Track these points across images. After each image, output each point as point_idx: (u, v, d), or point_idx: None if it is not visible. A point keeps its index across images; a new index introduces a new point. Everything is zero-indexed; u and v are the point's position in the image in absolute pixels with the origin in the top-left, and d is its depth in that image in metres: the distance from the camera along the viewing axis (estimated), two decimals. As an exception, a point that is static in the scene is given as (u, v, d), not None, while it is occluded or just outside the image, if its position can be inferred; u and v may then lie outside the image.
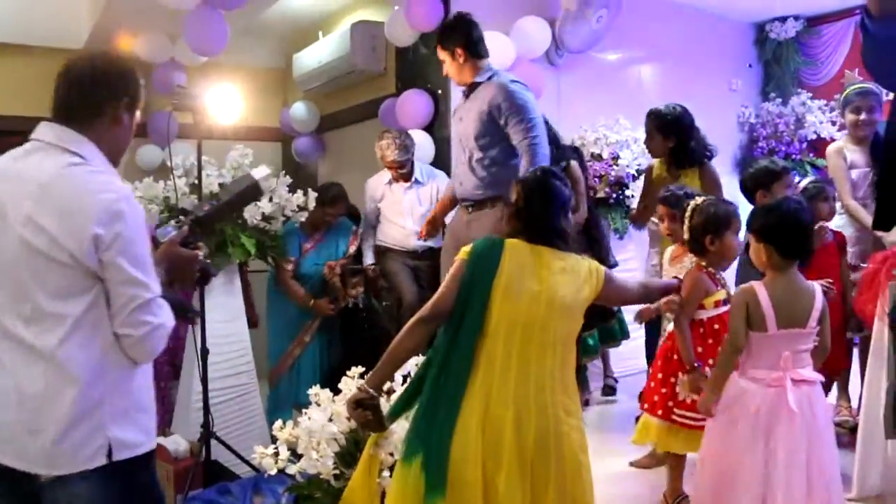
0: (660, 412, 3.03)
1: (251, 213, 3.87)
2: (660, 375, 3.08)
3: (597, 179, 5.20)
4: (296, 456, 2.62)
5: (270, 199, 3.96)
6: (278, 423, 2.73)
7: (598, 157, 5.26)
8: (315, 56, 5.84)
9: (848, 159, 4.09)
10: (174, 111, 3.50)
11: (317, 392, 2.74)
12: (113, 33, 5.48)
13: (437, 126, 4.96)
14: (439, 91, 4.96)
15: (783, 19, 6.84)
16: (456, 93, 4.96)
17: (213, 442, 3.45)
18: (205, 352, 3.48)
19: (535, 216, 2.30)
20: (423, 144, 4.85)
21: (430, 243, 4.51)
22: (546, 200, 2.32)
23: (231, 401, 3.94)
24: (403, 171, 4.54)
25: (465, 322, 2.18)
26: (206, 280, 2.22)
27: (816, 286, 2.57)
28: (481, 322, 2.17)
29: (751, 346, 2.54)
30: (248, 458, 3.53)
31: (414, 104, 4.91)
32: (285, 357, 4.47)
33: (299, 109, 6.29)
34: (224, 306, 3.96)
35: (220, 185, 3.88)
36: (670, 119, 3.90)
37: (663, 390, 3.04)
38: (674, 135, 3.90)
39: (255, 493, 3.21)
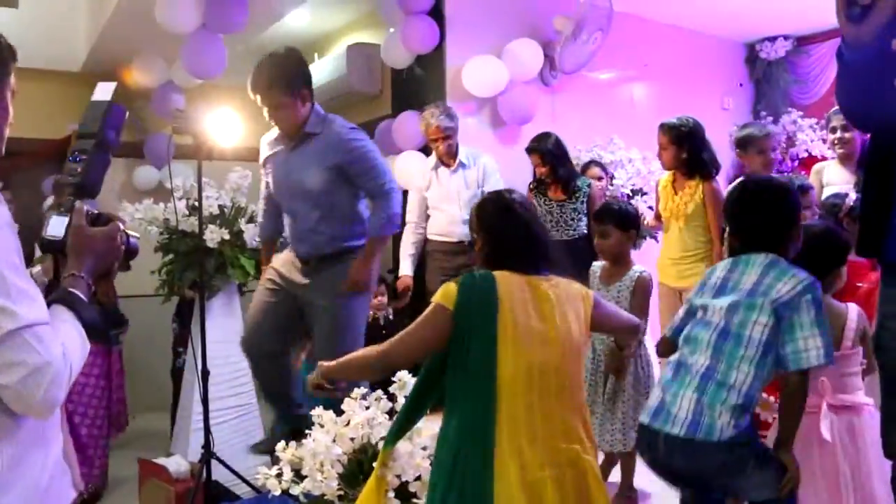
0: None
1: (251, 235, 3.90)
2: None
3: (592, 199, 5.25)
4: (299, 476, 2.63)
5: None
6: (281, 443, 2.75)
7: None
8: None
9: (824, 178, 4.15)
10: (174, 134, 3.54)
11: (320, 413, 2.75)
12: (110, 56, 5.53)
13: (433, 147, 5.00)
14: (435, 112, 5.01)
15: (773, 39, 6.94)
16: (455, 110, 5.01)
17: (214, 462, 3.46)
18: (205, 373, 3.49)
19: (509, 242, 2.13)
20: (419, 167, 4.89)
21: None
22: (515, 222, 2.15)
23: (231, 421, 3.95)
24: (450, 142, 4.46)
25: (471, 376, 1.98)
26: (132, 255, 1.72)
27: (851, 307, 2.49)
28: (493, 374, 1.94)
29: None
30: (248, 479, 3.58)
31: (410, 126, 4.95)
32: None
33: (295, 130, 6.32)
34: (223, 327, 3.98)
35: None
36: (685, 131, 3.99)
37: None
38: (687, 146, 3.99)
39: (257, 514, 3.22)
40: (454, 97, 5.00)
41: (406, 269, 4.63)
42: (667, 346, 2.46)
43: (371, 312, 4.34)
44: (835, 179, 4.06)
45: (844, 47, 1.78)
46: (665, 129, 4.06)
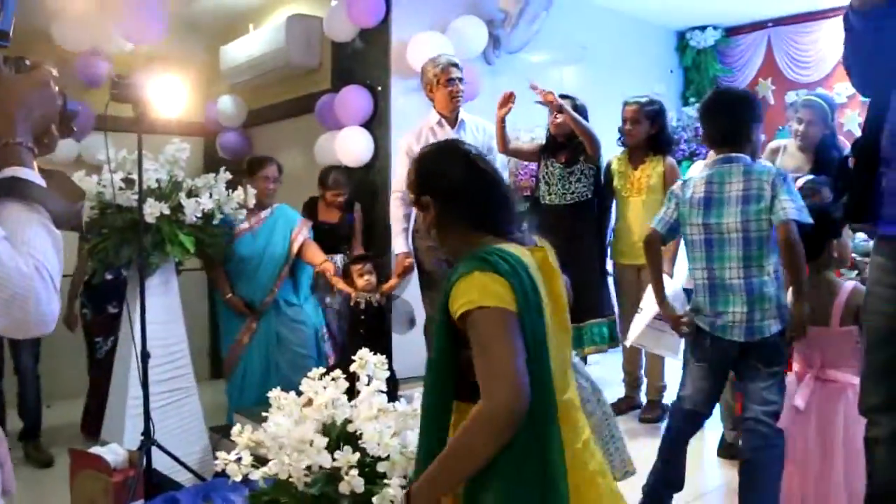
0: None
1: (191, 210, 3.71)
2: None
3: (533, 179, 5.21)
4: (259, 461, 2.52)
5: (210, 196, 3.81)
6: (237, 427, 2.62)
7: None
8: (246, 49, 5.67)
9: (779, 160, 4.20)
10: (112, 102, 3.31)
11: (278, 395, 2.64)
12: (30, 19, 5.18)
13: (376, 124, 4.88)
14: (379, 88, 4.90)
15: (703, 28, 7.10)
16: (398, 89, 4.90)
17: (154, 450, 3.28)
18: (145, 356, 3.31)
19: (487, 204, 1.71)
20: (362, 143, 4.77)
21: None
22: (483, 175, 1.74)
23: (169, 406, 3.76)
24: (462, 88, 4.08)
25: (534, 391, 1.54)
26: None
27: (847, 285, 2.61)
28: (548, 381, 1.59)
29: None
30: (189, 465, 3.42)
31: (353, 100, 4.83)
32: (232, 350, 4.27)
33: (226, 103, 6.09)
34: (162, 307, 3.77)
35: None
36: (658, 107, 4.20)
37: None
38: (658, 122, 4.17)
39: (204, 502, 3.07)
40: (398, 73, 4.90)
41: (401, 245, 4.12)
42: (656, 238, 2.86)
43: (353, 295, 4.03)
44: (789, 164, 4.11)
45: (852, 13, 1.80)
46: (638, 104, 4.19)
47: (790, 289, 2.62)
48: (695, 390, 2.78)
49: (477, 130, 4.23)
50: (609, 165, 4.35)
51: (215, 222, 3.94)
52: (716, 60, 7.22)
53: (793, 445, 2.54)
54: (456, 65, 4.09)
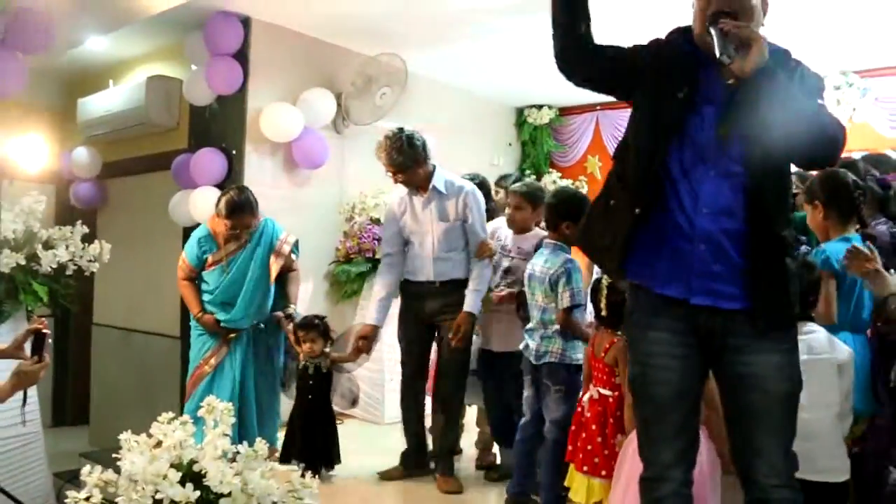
0: (603, 472, 3.12)
1: (46, 262, 3.87)
2: (599, 439, 3.17)
3: (375, 242, 5.44)
4: (109, 502, 2.70)
5: (67, 247, 3.97)
6: (86, 468, 2.80)
7: (377, 222, 5.46)
8: (104, 104, 5.80)
9: None
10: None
11: (128, 437, 2.84)
12: None
13: (229, 185, 5.10)
14: (234, 151, 5.20)
15: (539, 107, 7.79)
16: (252, 153, 5.22)
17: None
18: (-9, 401, 3.42)
19: None
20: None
21: (454, 275, 4.02)
22: None
23: (12, 451, 3.84)
24: (402, 178, 4.01)
25: None
26: None
27: None
28: None
29: None
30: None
31: (208, 162, 5.09)
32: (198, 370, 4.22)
33: (81, 154, 6.16)
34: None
35: (14, 231, 3.84)
36: (476, 182, 4.30)
37: (606, 452, 3.14)
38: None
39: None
40: (252, 138, 5.23)
41: (370, 316, 4.11)
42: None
43: (300, 357, 4.13)
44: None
45: None
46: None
47: None
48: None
49: (457, 194, 4.06)
50: None
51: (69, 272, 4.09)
52: (550, 137, 7.91)
53: None
54: (385, 163, 4.03)
